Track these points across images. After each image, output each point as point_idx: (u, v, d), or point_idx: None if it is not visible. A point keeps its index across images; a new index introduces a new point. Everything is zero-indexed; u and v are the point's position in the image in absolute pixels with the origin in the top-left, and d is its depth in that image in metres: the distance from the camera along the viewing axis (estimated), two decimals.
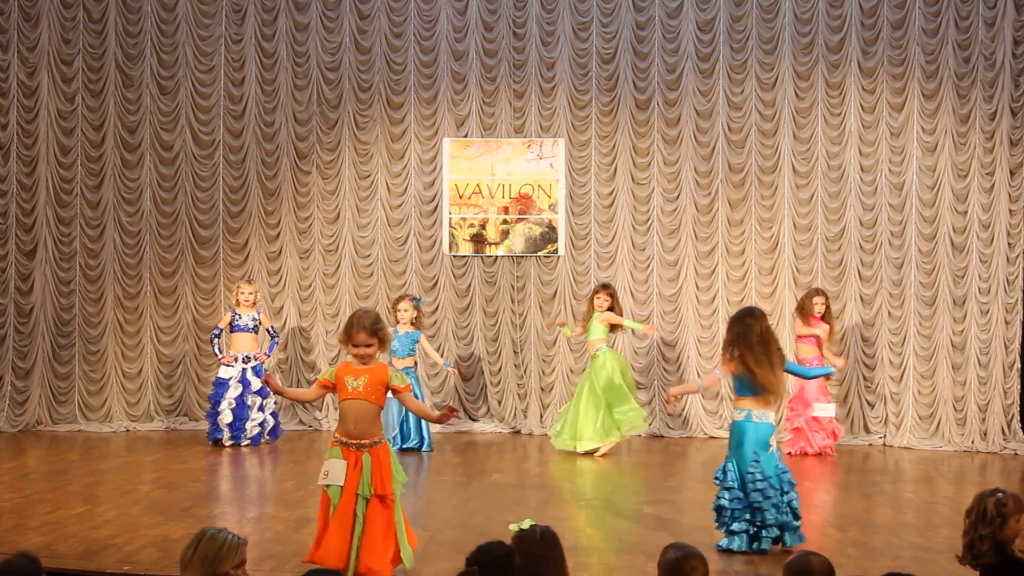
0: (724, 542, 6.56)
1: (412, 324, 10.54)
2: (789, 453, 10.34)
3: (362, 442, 5.72)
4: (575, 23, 11.65)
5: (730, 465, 6.62)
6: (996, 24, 11.11)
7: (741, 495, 6.54)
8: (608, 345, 10.44)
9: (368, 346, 5.77)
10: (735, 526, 6.53)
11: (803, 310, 10.65)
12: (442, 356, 11.65)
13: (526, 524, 4.32)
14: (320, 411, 11.77)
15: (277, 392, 6.13)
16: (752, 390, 6.58)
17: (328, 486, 5.71)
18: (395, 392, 5.82)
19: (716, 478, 6.70)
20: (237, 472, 9.52)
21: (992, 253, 11.14)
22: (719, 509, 6.61)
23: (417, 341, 10.58)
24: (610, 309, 10.40)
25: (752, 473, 6.49)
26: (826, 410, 10.44)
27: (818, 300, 10.60)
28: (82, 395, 11.62)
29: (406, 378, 5.93)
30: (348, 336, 5.81)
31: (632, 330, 11.00)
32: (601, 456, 10.13)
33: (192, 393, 11.68)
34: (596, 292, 10.54)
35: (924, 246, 11.28)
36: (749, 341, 6.56)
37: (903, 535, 6.96)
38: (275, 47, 11.77)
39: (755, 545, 6.51)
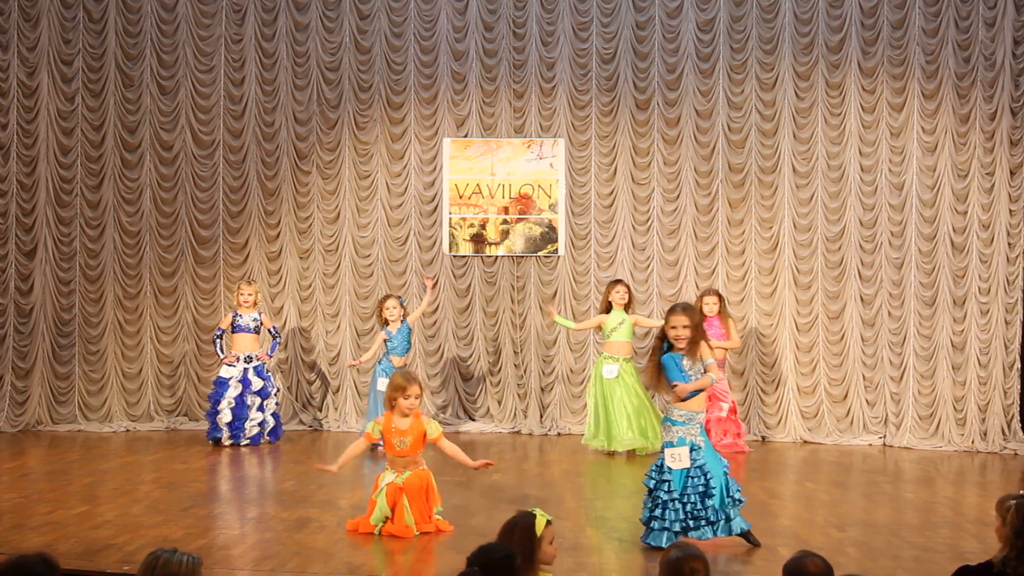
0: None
1: (399, 320, 10.60)
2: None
3: (407, 469, 7.03)
4: (575, 23, 11.65)
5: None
6: (996, 24, 11.10)
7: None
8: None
9: (417, 398, 7.03)
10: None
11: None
12: (441, 357, 11.69)
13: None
14: (321, 411, 11.77)
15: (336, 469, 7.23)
16: None
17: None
18: (432, 442, 7.06)
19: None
20: (237, 472, 9.52)
21: (992, 253, 11.13)
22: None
23: (411, 331, 10.65)
24: (627, 305, 10.43)
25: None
26: (720, 410, 10.47)
27: (709, 300, 10.58)
28: (82, 395, 11.63)
29: (439, 427, 7.17)
30: (402, 390, 6.97)
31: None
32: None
33: (192, 393, 11.69)
34: (614, 286, 10.48)
35: (924, 246, 11.27)
36: None
37: (903, 535, 6.96)
38: (275, 47, 11.77)
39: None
